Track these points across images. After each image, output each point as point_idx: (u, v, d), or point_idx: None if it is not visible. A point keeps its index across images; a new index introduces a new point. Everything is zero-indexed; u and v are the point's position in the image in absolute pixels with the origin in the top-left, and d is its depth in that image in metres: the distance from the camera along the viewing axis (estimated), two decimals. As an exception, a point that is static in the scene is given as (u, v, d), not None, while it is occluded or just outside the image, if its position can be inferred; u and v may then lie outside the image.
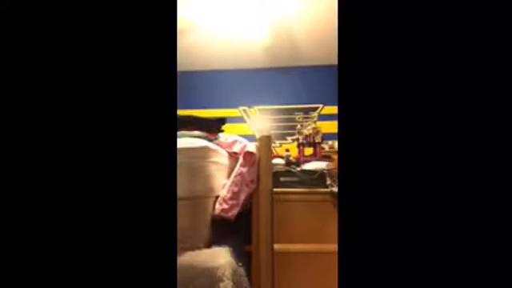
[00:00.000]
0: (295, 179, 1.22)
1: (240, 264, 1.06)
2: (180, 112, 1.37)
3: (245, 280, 1.04)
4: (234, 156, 1.33)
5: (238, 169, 1.20)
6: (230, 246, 1.12)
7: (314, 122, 1.73)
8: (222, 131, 1.51)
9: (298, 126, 1.72)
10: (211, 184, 1.13)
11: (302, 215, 1.13)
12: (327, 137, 1.83)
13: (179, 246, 1.00)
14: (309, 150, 1.63)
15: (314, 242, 1.10)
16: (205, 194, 1.11)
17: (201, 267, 0.95)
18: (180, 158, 1.05)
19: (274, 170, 1.22)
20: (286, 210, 1.14)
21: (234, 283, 0.98)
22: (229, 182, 1.20)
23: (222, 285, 0.93)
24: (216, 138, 1.42)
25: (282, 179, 1.22)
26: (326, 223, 1.11)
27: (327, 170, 1.24)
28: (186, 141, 1.15)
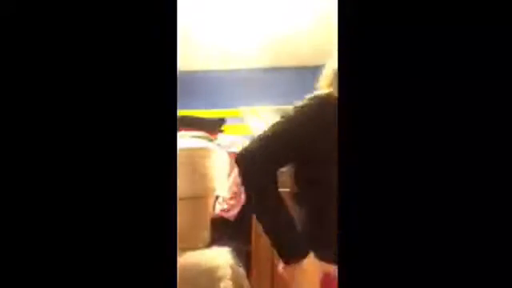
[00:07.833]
0: (295, 179, 1.21)
1: (240, 264, 1.06)
2: (180, 112, 1.37)
3: (245, 280, 1.04)
4: (234, 156, 1.33)
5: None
6: (229, 246, 1.12)
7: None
8: (222, 131, 1.51)
9: (298, 126, 1.71)
10: (211, 184, 1.13)
11: (302, 215, 1.12)
12: (328, 137, 1.83)
13: (179, 246, 1.00)
14: (309, 150, 1.63)
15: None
16: (205, 194, 1.11)
17: (201, 267, 0.95)
18: (180, 158, 1.05)
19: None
20: (286, 210, 1.13)
21: (234, 283, 0.98)
22: (229, 182, 1.20)
23: (221, 285, 0.93)
24: (216, 138, 1.42)
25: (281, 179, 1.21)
26: (326, 223, 1.10)
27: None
28: (185, 141, 1.15)
